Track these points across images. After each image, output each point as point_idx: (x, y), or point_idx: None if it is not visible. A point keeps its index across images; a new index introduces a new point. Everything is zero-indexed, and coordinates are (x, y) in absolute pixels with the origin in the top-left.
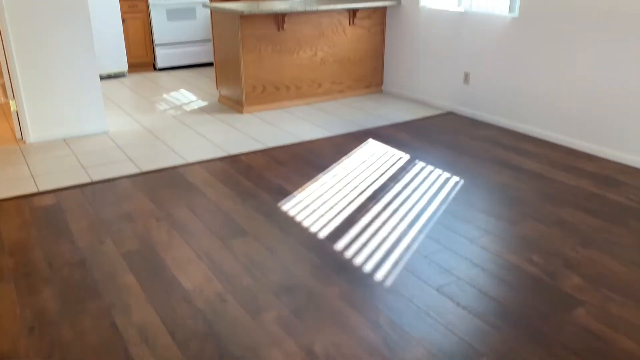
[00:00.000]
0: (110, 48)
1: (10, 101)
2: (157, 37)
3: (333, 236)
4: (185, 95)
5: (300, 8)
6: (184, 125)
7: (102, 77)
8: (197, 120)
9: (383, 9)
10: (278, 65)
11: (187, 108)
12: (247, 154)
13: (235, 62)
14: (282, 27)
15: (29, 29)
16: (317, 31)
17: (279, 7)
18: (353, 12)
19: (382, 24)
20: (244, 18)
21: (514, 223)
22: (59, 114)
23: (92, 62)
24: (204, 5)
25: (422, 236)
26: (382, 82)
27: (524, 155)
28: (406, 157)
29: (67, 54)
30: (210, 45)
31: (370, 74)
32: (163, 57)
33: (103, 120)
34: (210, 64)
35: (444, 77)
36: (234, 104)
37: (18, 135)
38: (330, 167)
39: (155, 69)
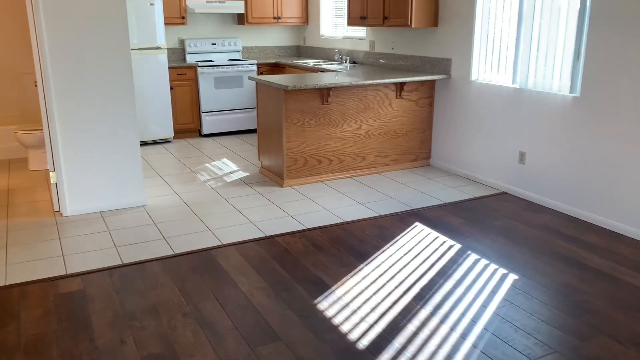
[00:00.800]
0: (158, 115)
1: (51, 173)
2: (204, 104)
3: (375, 347)
4: (228, 165)
5: (346, 82)
6: (222, 199)
7: (147, 143)
8: (237, 193)
9: (432, 82)
10: (321, 138)
11: (228, 179)
12: (284, 236)
13: (278, 135)
14: (327, 101)
15: (73, 101)
16: (362, 104)
17: (324, 81)
18: (400, 86)
19: (431, 97)
20: (289, 92)
21: (583, 339)
22: (97, 187)
23: (134, 135)
24: (250, 78)
25: (476, 352)
26: (429, 156)
27: (589, 249)
28: (457, 246)
29: (109, 126)
30: (254, 113)
31: (417, 147)
32: (209, 123)
33: (141, 194)
34: (252, 131)
35: (497, 155)
36: (274, 177)
37: (56, 208)
38: (373, 256)
39: (200, 135)
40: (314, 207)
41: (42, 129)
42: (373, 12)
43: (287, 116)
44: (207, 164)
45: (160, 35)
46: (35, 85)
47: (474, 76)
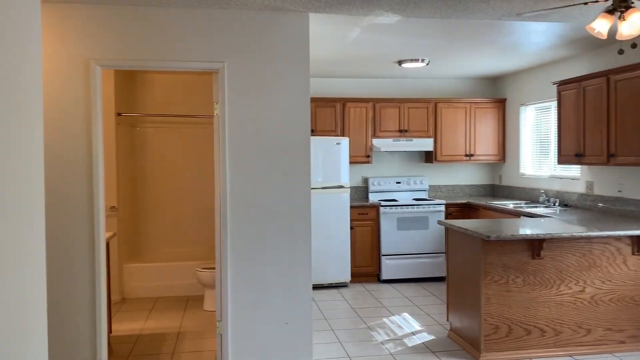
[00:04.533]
0: (336, 256)
1: (217, 323)
2: (385, 247)
3: None
4: (409, 322)
5: (565, 233)
6: None
7: (322, 287)
8: None
9: None
10: (530, 302)
11: (409, 342)
12: None
13: (473, 293)
14: (538, 255)
15: (247, 241)
16: (585, 261)
17: (536, 230)
18: (638, 239)
19: None
20: (489, 243)
21: None
22: (263, 343)
23: (308, 287)
24: (440, 222)
25: None
26: None
27: None
28: None
29: (282, 271)
30: (441, 259)
31: None
32: (389, 268)
33: (309, 356)
34: (439, 279)
35: None
36: (468, 346)
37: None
38: None
39: (379, 280)
40: None
41: None
42: (593, 149)
43: (486, 271)
44: (385, 319)
45: (345, 174)
46: None
47: None
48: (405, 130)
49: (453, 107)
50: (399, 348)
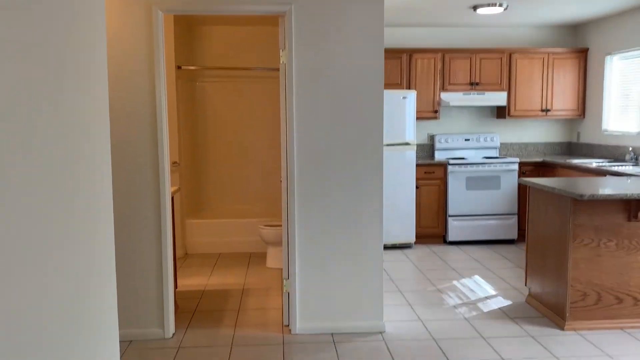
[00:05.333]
0: (401, 216)
1: (285, 281)
2: (452, 207)
3: None
4: (481, 286)
5: None
6: (480, 338)
7: (386, 247)
8: (499, 332)
9: None
10: (624, 267)
11: (484, 307)
12: None
13: (558, 257)
14: (635, 216)
15: (315, 201)
16: None
17: (631, 190)
18: None
19: None
20: (580, 203)
21: None
22: (331, 302)
23: (379, 246)
24: (522, 182)
25: None
26: None
27: None
28: None
29: (352, 231)
30: (513, 220)
31: None
32: (456, 229)
33: (380, 317)
34: (509, 242)
35: None
36: (550, 313)
37: (285, 321)
38: None
39: (445, 241)
40: None
41: (281, 225)
42: None
43: (575, 234)
44: (455, 282)
45: (410, 130)
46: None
47: None
48: (477, 84)
49: (529, 57)
50: (474, 313)
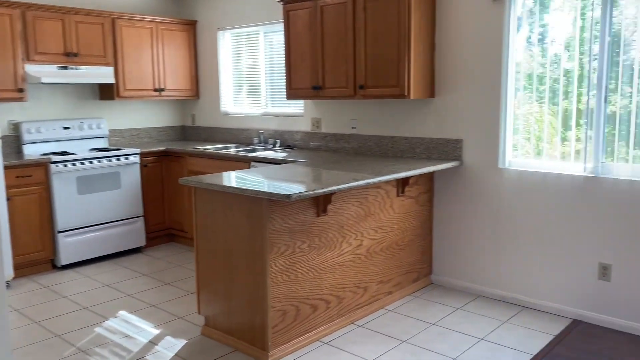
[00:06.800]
0: None
1: None
2: (62, 220)
3: None
4: (136, 325)
5: (352, 182)
6: None
7: None
8: None
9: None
10: (316, 270)
11: (157, 359)
12: None
13: (249, 275)
14: (324, 211)
15: None
16: (362, 210)
17: (325, 183)
18: (404, 181)
19: (429, 192)
20: (276, 204)
21: None
22: None
23: None
24: (183, 181)
25: None
26: (430, 272)
27: None
28: None
29: None
30: (139, 224)
31: (417, 261)
32: (69, 248)
33: None
34: (136, 250)
35: (557, 270)
36: (243, 344)
37: None
38: None
39: (54, 266)
40: None
41: None
42: (336, 80)
43: (272, 243)
44: (97, 328)
45: None
46: None
47: (507, 160)
48: (75, 54)
49: (136, 26)
50: None
